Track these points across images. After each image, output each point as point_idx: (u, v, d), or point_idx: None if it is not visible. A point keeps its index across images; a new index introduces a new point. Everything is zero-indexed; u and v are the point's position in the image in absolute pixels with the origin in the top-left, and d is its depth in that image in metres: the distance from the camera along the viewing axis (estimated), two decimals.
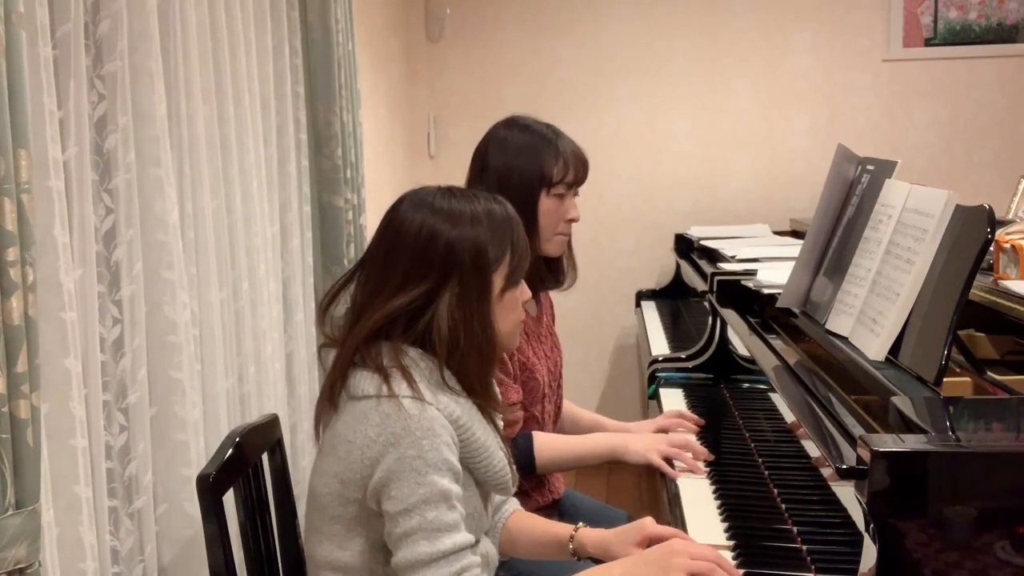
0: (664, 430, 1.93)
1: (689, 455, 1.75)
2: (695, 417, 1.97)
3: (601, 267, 4.01)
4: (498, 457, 1.37)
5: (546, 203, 1.82)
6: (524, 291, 1.42)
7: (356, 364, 1.33)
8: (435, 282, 1.31)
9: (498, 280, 1.35)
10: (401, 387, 1.27)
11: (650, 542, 1.39)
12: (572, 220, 1.87)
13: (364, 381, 1.30)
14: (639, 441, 1.81)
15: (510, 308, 1.38)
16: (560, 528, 1.51)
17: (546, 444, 1.79)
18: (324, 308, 1.43)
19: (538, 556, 1.55)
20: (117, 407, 1.54)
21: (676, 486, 1.67)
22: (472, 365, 1.34)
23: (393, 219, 1.37)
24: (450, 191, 1.39)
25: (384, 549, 1.30)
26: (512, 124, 1.87)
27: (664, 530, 1.40)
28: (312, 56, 2.31)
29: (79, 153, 1.41)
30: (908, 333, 1.34)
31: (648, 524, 1.41)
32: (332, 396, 1.33)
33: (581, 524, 1.48)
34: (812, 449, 1.42)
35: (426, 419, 1.25)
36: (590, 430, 2.02)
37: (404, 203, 1.38)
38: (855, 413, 1.30)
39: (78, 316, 1.37)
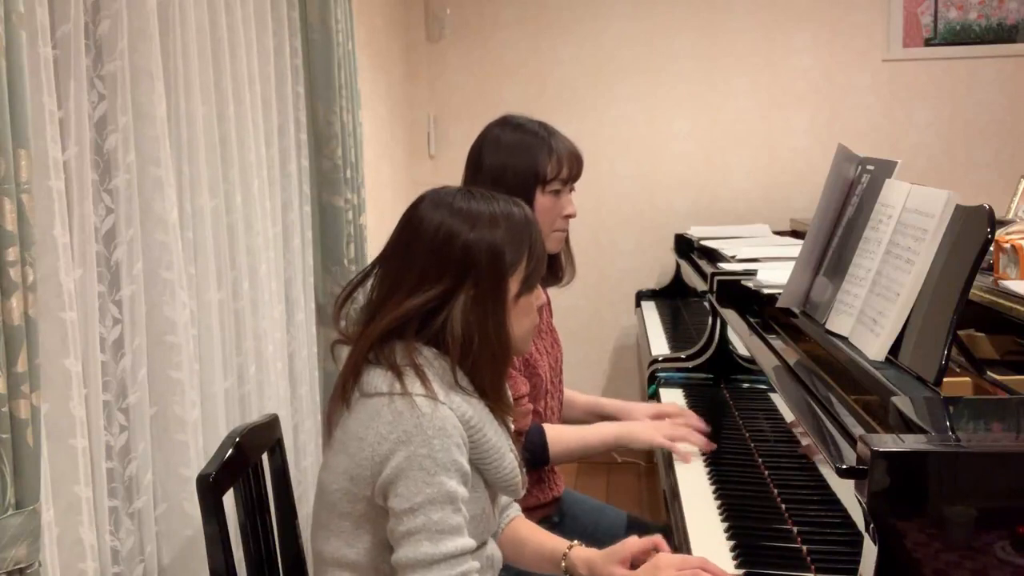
0: (662, 416, 1.95)
1: (694, 437, 1.79)
2: (696, 417, 1.98)
3: (601, 267, 4.01)
4: (508, 459, 1.37)
5: (542, 201, 1.83)
6: (539, 296, 1.42)
7: (370, 362, 1.32)
8: (451, 283, 1.31)
9: (514, 284, 1.34)
10: (414, 385, 1.27)
11: (634, 559, 1.41)
12: (569, 216, 1.88)
13: (377, 379, 1.29)
14: (644, 427, 1.84)
15: (524, 312, 1.38)
16: (556, 544, 1.52)
17: (558, 436, 1.81)
18: (340, 305, 1.43)
19: (535, 569, 1.56)
20: (117, 407, 1.54)
21: (677, 486, 1.67)
22: (485, 368, 1.34)
23: (412, 218, 1.36)
24: (470, 192, 1.38)
25: (391, 547, 1.29)
26: (505, 123, 1.88)
27: (644, 542, 1.42)
28: (312, 56, 2.31)
29: (79, 153, 1.41)
30: (908, 333, 1.34)
31: (630, 542, 1.43)
32: (344, 394, 1.33)
33: (576, 543, 1.50)
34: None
35: (438, 418, 1.25)
36: (587, 410, 2.07)
37: (424, 202, 1.37)
38: (855, 413, 1.30)
39: (78, 316, 1.37)
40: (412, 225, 1.35)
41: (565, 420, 2.04)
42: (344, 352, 1.38)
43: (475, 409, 1.32)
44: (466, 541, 1.26)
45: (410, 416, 1.24)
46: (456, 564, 1.24)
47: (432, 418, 1.24)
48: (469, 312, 1.30)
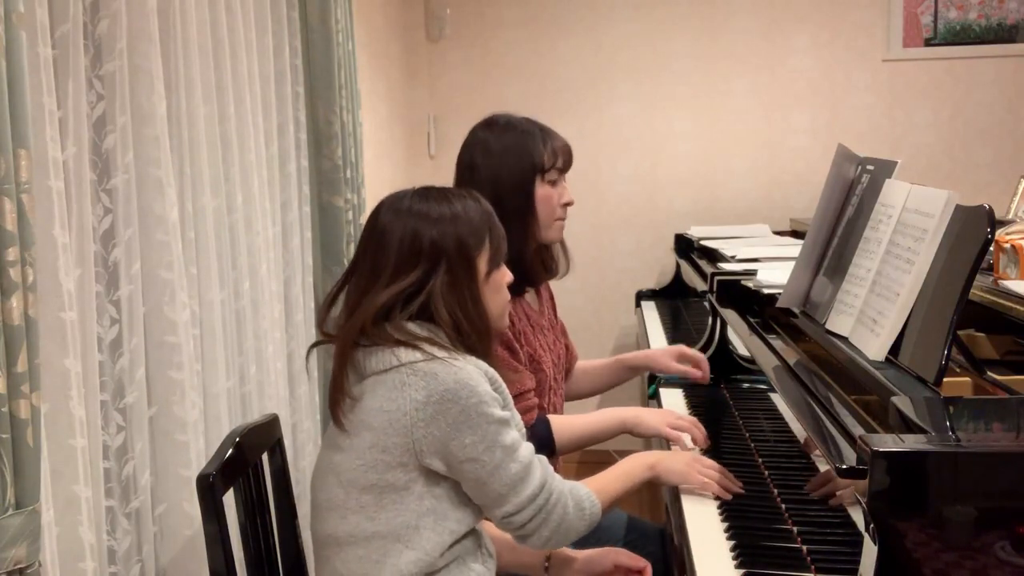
0: (685, 357, 2.06)
1: (696, 431, 1.79)
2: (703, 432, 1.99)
3: (601, 267, 4.00)
4: (516, 412, 1.45)
5: (542, 190, 1.86)
6: (506, 273, 1.50)
7: (363, 347, 1.38)
8: (425, 271, 1.39)
9: (482, 264, 1.43)
10: (434, 350, 1.35)
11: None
12: (568, 204, 1.92)
13: (385, 357, 1.36)
14: (650, 415, 1.85)
15: (496, 289, 1.47)
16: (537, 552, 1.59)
17: (563, 426, 1.83)
18: (324, 313, 1.50)
19: (517, 570, 1.63)
20: (115, 407, 1.54)
21: (677, 486, 1.66)
22: (475, 345, 1.42)
23: (375, 227, 1.44)
24: (425, 193, 1.45)
25: (418, 514, 1.35)
26: (492, 124, 1.91)
27: (631, 561, 1.59)
28: (312, 56, 2.31)
29: (77, 153, 1.41)
30: (908, 333, 1.34)
31: (613, 555, 1.61)
32: (342, 384, 1.39)
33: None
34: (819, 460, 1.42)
35: (471, 369, 1.35)
36: (611, 368, 2.14)
37: (382, 211, 1.45)
38: (855, 413, 1.30)
39: (77, 316, 1.37)
40: (376, 235, 1.43)
41: (588, 390, 2.15)
42: (325, 356, 1.45)
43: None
44: (527, 444, 1.40)
45: (445, 376, 1.32)
46: (537, 463, 1.39)
47: (466, 371, 1.34)
48: (448, 293, 1.40)
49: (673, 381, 2.35)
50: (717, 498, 1.58)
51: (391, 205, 1.44)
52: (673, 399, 2.22)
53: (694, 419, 1.85)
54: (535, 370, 1.85)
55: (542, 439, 1.78)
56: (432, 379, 1.32)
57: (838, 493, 1.42)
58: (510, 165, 1.83)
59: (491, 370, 1.40)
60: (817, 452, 1.51)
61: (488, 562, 1.46)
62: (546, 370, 1.88)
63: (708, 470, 1.59)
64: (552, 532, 1.39)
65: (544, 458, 1.43)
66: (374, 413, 1.35)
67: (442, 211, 1.42)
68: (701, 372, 2.06)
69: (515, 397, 1.65)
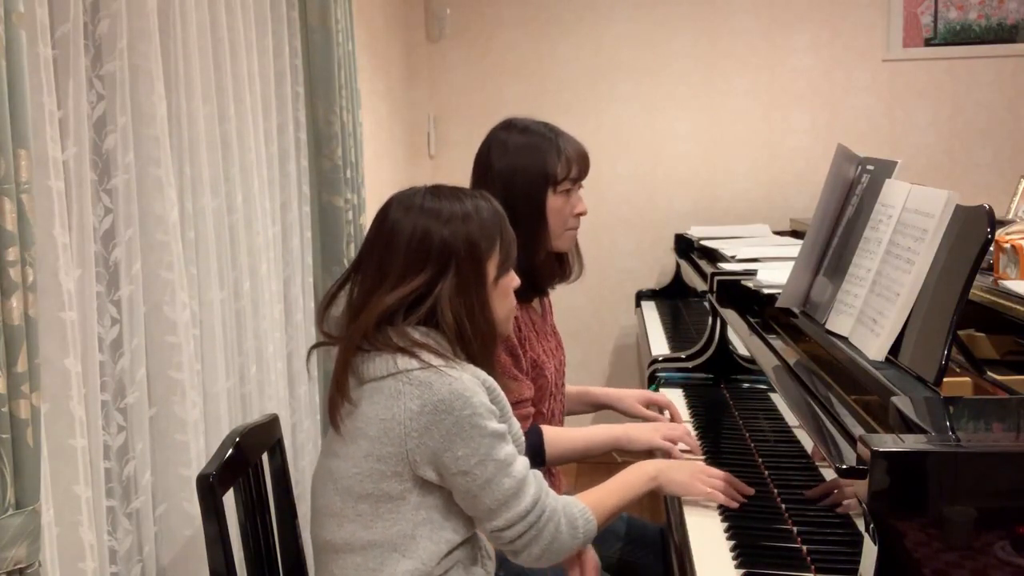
0: (652, 403, 2.00)
1: (689, 439, 1.80)
2: (678, 412, 2.02)
3: (601, 267, 4.00)
4: (515, 421, 1.45)
5: (554, 201, 1.84)
6: (514, 278, 1.48)
7: (364, 351, 1.37)
8: (433, 272, 1.37)
9: (491, 268, 1.41)
10: (431, 358, 1.33)
11: None
12: (580, 214, 1.91)
13: (384, 363, 1.34)
14: (641, 430, 1.85)
15: (504, 294, 1.45)
16: None
17: (554, 438, 1.82)
18: (323, 311, 1.47)
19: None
20: (115, 407, 1.54)
21: None
22: (477, 350, 1.40)
23: (384, 223, 1.42)
24: (437, 191, 1.43)
25: (415, 523, 1.34)
26: (511, 126, 1.88)
27: None
28: (312, 56, 2.31)
29: (78, 153, 1.41)
30: (908, 333, 1.34)
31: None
32: (342, 388, 1.37)
33: None
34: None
35: (467, 379, 1.33)
36: (577, 399, 2.09)
37: (392, 207, 1.43)
38: (855, 413, 1.30)
39: (77, 316, 1.37)
40: (385, 230, 1.40)
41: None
42: (322, 357, 1.42)
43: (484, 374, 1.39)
44: (523, 459, 1.38)
45: (440, 385, 1.30)
46: (532, 479, 1.37)
47: (462, 381, 1.32)
48: (455, 297, 1.37)
49: (674, 381, 2.35)
50: None
51: (402, 202, 1.42)
52: (673, 399, 2.22)
53: (685, 427, 1.85)
54: (537, 376, 1.84)
55: (533, 448, 1.77)
56: (427, 389, 1.31)
57: (844, 501, 1.42)
58: (523, 172, 1.82)
59: (490, 379, 1.38)
60: (823, 460, 1.51)
61: (488, 564, 1.46)
62: (548, 376, 1.87)
63: (713, 479, 1.57)
64: (543, 550, 1.37)
65: (539, 473, 1.41)
66: (371, 421, 1.33)
67: (454, 210, 1.39)
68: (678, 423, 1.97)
69: (512, 405, 1.64)
